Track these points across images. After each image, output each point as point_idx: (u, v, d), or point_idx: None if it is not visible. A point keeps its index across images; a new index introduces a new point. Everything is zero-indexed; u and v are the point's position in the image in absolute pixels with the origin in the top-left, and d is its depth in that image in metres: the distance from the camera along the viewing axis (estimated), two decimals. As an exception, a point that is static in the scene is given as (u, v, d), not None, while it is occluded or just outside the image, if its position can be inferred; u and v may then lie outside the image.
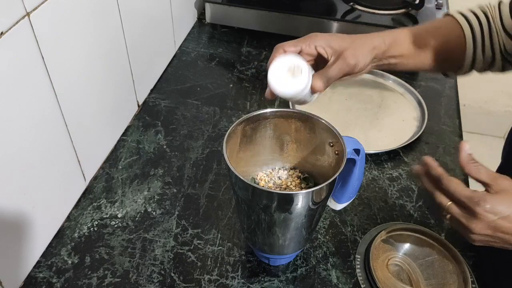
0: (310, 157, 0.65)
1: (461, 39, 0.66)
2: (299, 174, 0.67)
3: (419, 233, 0.66)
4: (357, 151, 0.58)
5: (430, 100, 0.93)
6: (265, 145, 0.65)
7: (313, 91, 0.59)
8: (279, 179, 0.66)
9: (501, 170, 0.75)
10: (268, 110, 0.61)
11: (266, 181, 0.65)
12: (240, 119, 0.59)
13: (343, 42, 0.61)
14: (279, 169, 0.67)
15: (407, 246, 0.66)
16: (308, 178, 0.65)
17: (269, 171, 0.67)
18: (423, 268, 0.63)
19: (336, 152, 0.59)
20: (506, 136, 0.78)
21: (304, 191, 0.53)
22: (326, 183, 0.53)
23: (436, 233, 0.66)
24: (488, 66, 0.67)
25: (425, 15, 1.06)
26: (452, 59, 0.67)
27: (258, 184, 0.65)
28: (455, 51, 0.66)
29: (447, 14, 0.70)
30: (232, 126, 0.58)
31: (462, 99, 1.02)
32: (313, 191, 0.53)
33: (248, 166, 0.65)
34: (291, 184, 0.65)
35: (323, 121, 0.59)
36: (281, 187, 0.65)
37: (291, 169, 0.67)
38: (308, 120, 0.61)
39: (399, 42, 0.65)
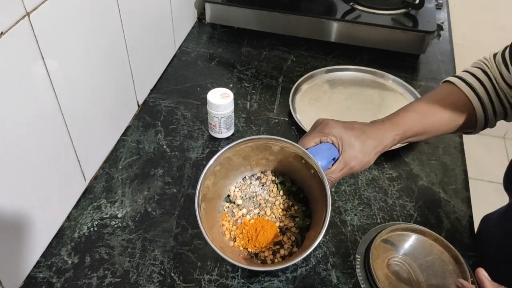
0: (279, 157, 0.64)
1: (469, 107, 0.66)
2: (273, 178, 0.66)
3: (419, 233, 0.66)
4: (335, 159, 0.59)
5: (430, 100, 0.93)
6: (233, 166, 0.64)
7: None
8: (255, 194, 0.65)
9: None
10: (225, 148, 0.60)
11: (242, 197, 0.65)
12: (209, 163, 0.59)
13: (354, 141, 0.62)
14: (249, 178, 0.67)
15: (407, 246, 0.66)
16: (284, 181, 0.65)
17: (240, 182, 0.67)
18: (423, 268, 0.63)
19: (312, 171, 0.59)
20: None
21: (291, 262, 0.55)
22: (309, 250, 0.54)
23: (436, 233, 0.66)
24: (502, 119, 0.68)
25: (425, 15, 1.06)
26: (465, 124, 0.68)
27: (234, 202, 0.65)
28: (466, 117, 0.67)
29: (446, 81, 0.70)
30: (203, 173, 0.58)
31: (462, 99, 1.02)
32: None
33: (221, 187, 0.65)
34: (269, 197, 0.64)
35: (288, 144, 0.59)
36: (261, 210, 0.64)
37: (262, 172, 0.67)
38: (269, 147, 0.61)
39: (410, 126, 0.65)
